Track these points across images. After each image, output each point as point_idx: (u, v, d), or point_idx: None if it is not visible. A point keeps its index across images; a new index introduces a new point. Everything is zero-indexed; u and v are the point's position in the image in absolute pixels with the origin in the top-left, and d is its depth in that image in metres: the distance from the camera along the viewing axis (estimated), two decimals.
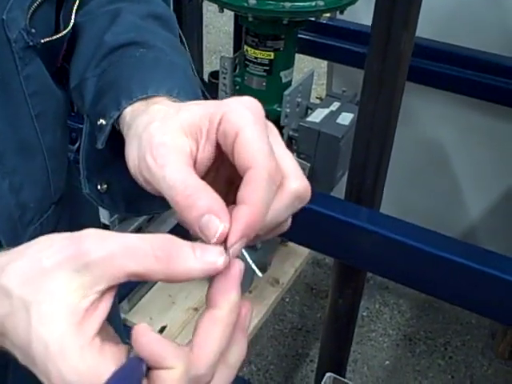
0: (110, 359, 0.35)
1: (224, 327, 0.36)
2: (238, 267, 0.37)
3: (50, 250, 0.36)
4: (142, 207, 0.54)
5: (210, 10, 2.21)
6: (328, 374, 1.39)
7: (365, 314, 2.15)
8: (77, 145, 1.38)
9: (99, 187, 0.52)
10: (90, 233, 0.36)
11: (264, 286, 1.86)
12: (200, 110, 0.39)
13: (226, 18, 1.21)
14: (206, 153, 0.39)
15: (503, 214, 1.94)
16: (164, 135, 0.39)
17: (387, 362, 2.00)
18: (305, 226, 1.14)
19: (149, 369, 0.35)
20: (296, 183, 0.39)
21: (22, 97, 0.52)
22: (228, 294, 0.36)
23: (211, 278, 0.37)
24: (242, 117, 0.38)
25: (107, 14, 0.57)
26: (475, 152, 1.89)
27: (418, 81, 1.71)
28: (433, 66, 1.68)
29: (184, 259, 0.35)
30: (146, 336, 0.34)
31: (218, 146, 0.39)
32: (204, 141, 0.39)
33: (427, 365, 1.99)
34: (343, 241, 1.14)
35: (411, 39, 0.97)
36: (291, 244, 1.91)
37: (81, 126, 1.48)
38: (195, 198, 0.36)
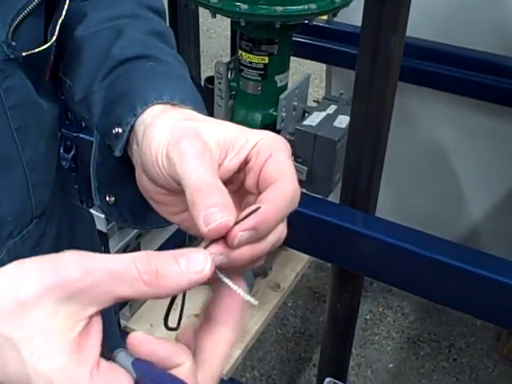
0: (123, 374, 0.35)
1: (228, 346, 0.38)
2: (242, 286, 0.39)
3: (27, 282, 0.34)
4: (149, 221, 0.55)
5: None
6: (327, 379, 1.38)
7: (368, 317, 2.13)
8: (72, 153, 1.38)
9: (108, 199, 0.52)
10: (69, 259, 0.35)
11: (265, 291, 1.84)
12: (237, 129, 0.44)
13: (227, 22, 1.20)
14: (231, 166, 0.43)
15: (506, 217, 1.92)
16: (205, 133, 0.42)
17: (391, 365, 1.99)
18: (300, 231, 1.12)
19: None
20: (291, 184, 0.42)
21: (2, 109, 0.51)
22: (234, 313, 0.38)
23: (215, 292, 0.39)
24: (277, 143, 0.44)
25: (110, 29, 0.57)
26: (477, 153, 1.88)
27: (419, 82, 1.70)
28: (433, 67, 1.67)
29: (172, 277, 0.36)
30: (145, 343, 0.35)
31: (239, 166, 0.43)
32: (234, 154, 0.42)
33: (431, 367, 1.98)
34: (339, 245, 1.13)
35: (401, 41, 0.96)
36: None
37: (75, 134, 1.47)
38: (208, 191, 0.38)
